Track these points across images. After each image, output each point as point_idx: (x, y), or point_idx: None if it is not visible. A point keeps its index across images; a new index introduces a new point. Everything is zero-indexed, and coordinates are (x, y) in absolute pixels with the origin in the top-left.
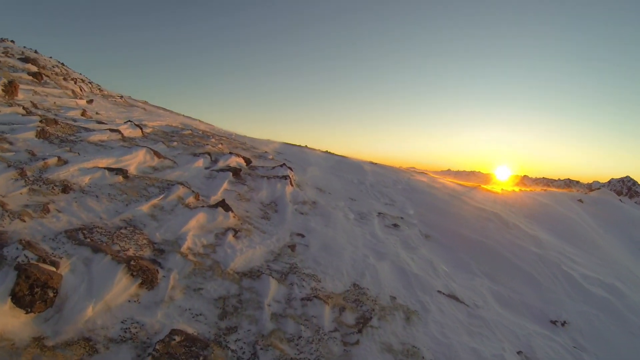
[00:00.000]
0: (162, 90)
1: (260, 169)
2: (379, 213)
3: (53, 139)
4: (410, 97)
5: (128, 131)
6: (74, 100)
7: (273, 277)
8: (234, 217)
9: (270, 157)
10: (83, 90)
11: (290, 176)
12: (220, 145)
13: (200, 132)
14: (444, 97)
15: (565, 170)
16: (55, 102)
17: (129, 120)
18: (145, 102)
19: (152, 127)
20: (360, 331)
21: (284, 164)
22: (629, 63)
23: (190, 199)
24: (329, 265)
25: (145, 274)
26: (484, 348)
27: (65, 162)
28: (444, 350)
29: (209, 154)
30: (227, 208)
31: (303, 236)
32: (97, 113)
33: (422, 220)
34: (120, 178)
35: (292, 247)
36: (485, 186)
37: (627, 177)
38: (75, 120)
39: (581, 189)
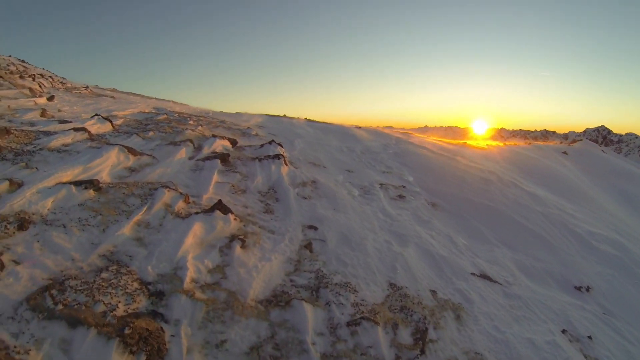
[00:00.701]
0: (131, 75)
1: (249, 149)
2: (381, 184)
3: (5, 154)
4: (381, 53)
5: (96, 127)
6: (32, 100)
7: (305, 301)
8: (234, 219)
9: (254, 132)
10: (43, 87)
11: (283, 154)
12: (200, 128)
13: (176, 114)
14: (416, 53)
15: (541, 121)
16: (9, 106)
17: (96, 114)
18: (114, 90)
19: (123, 117)
20: (422, 351)
21: (273, 140)
22: (601, 15)
23: (180, 204)
24: (357, 264)
25: (148, 344)
26: (535, 336)
27: (20, 185)
28: (503, 349)
29: (190, 140)
30: (226, 209)
31: (316, 229)
32: (59, 110)
33: (424, 187)
34: (91, 193)
35: (309, 246)
36: (471, 142)
37: (602, 126)
38: (33, 124)
39: (558, 139)
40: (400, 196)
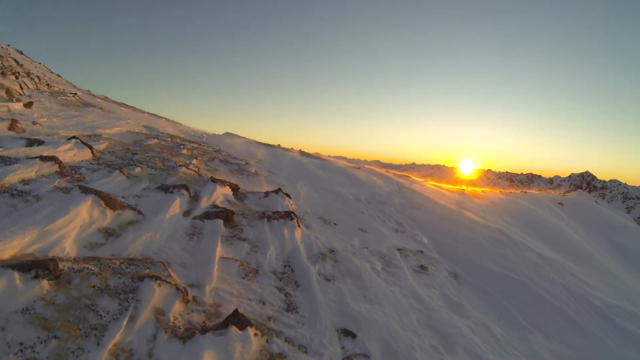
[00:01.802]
0: (126, 84)
1: (252, 198)
2: (399, 250)
3: None
4: (372, 91)
5: (71, 154)
6: (5, 104)
7: None
8: (255, 334)
9: (254, 170)
10: (24, 88)
11: (293, 209)
12: (195, 162)
13: (168, 138)
14: (406, 91)
15: (527, 163)
16: None
17: (74, 137)
18: (105, 98)
19: (108, 138)
20: None
21: (280, 189)
22: (588, 60)
23: (177, 309)
24: None
25: None
26: None
27: None
28: None
29: (185, 187)
30: (243, 323)
31: (354, 336)
32: (33, 123)
33: (441, 252)
34: (44, 286)
35: None
36: (468, 189)
37: (587, 172)
38: None
39: (543, 182)
40: (422, 267)
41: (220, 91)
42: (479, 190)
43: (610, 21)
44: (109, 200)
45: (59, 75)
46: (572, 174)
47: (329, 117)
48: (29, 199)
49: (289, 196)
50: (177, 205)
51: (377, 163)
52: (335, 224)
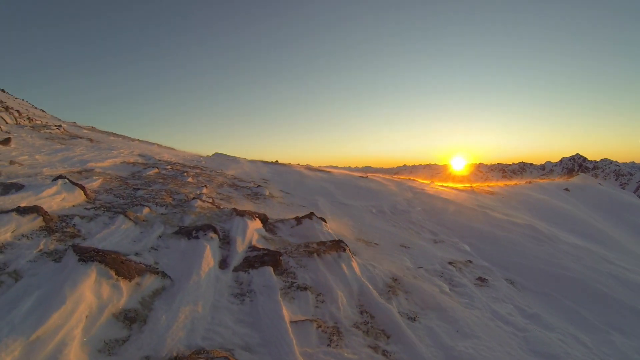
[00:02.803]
0: (112, 114)
1: (284, 229)
2: (450, 263)
3: None
4: (354, 97)
5: (59, 199)
6: None
7: None
8: None
9: (267, 193)
10: (1, 124)
11: (331, 232)
12: (205, 191)
13: (168, 166)
14: (389, 93)
15: (517, 153)
16: None
17: (61, 177)
18: (92, 129)
19: (101, 172)
20: None
21: (313, 213)
22: (573, 46)
23: None
24: None
25: None
26: None
27: None
28: None
29: (212, 228)
30: None
31: None
32: (11, 162)
33: (487, 259)
34: None
35: None
36: (475, 186)
37: (577, 154)
38: None
39: (535, 170)
40: (482, 279)
41: (197, 112)
42: (484, 185)
43: (588, 3)
44: (120, 266)
45: (42, 111)
46: (563, 158)
47: (315, 127)
48: (3, 280)
49: (324, 220)
50: (209, 255)
51: (369, 169)
52: (376, 243)
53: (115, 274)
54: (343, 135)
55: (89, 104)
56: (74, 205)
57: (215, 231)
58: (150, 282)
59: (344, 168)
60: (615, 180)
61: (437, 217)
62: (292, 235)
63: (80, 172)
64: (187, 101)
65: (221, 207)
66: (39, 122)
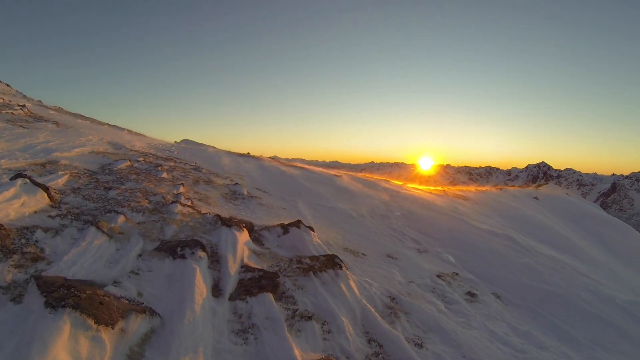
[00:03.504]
0: (81, 94)
1: (270, 238)
2: (438, 276)
3: None
4: (324, 91)
5: (17, 206)
6: None
7: None
8: None
9: (245, 192)
10: None
11: (316, 241)
12: (182, 190)
13: (140, 157)
14: (362, 91)
15: (484, 156)
16: None
17: (20, 175)
18: (59, 110)
19: (67, 164)
20: None
21: (300, 221)
22: (540, 51)
23: None
24: None
25: None
26: None
27: None
28: None
29: (199, 245)
30: None
31: None
32: None
33: (471, 270)
34: None
35: None
36: (448, 190)
37: (543, 162)
38: None
39: (501, 174)
40: (471, 294)
41: (165, 97)
42: (455, 189)
43: (555, 8)
44: (99, 309)
45: (8, 85)
46: (529, 164)
47: (283, 118)
48: None
49: (312, 229)
50: (200, 280)
51: (336, 163)
52: (363, 254)
53: (95, 323)
54: (311, 128)
55: (55, 83)
56: (35, 212)
57: (203, 248)
58: (137, 324)
59: (312, 161)
60: (578, 189)
61: (418, 223)
62: (280, 246)
63: (43, 165)
64: (157, 86)
65: (202, 211)
66: (1, 100)
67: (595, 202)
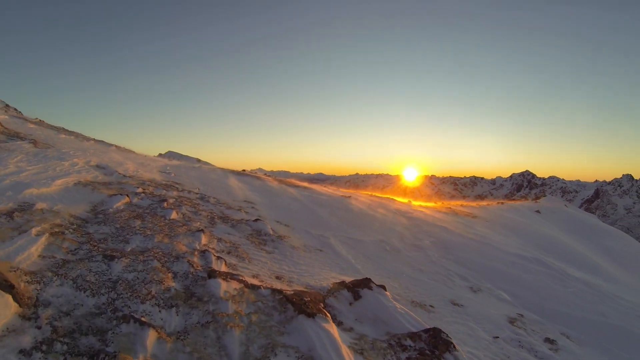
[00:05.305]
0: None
1: (342, 309)
2: (510, 322)
3: None
4: (308, 103)
5: None
6: None
7: None
8: None
9: (270, 230)
10: None
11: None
12: (204, 238)
13: (139, 188)
14: (345, 102)
15: (468, 166)
16: None
17: None
18: (40, 122)
19: (46, 208)
20: None
21: (369, 279)
22: (521, 60)
23: None
24: None
25: None
26: None
27: None
28: None
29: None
30: None
31: None
32: None
33: (529, 308)
34: None
35: None
36: (453, 207)
37: (527, 171)
38: None
39: (486, 184)
40: (549, 341)
41: (146, 108)
42: (457, 204)
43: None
44: None
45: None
46: (513, 173)
47: (267, 130)
48: None
49: (384, 288)
50: None
51: (321, 175)
52: (431, 306)
53: None
54: (294, 139)
55: (36, 95)
56: None
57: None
58: None
59: (296, 174)
60: (562, 196)
61: (452, 253)
62: (359, 320)
63: (10, 215)
64: (138, 96)
65: (249, 281)
66: None
67: (579, 208)
